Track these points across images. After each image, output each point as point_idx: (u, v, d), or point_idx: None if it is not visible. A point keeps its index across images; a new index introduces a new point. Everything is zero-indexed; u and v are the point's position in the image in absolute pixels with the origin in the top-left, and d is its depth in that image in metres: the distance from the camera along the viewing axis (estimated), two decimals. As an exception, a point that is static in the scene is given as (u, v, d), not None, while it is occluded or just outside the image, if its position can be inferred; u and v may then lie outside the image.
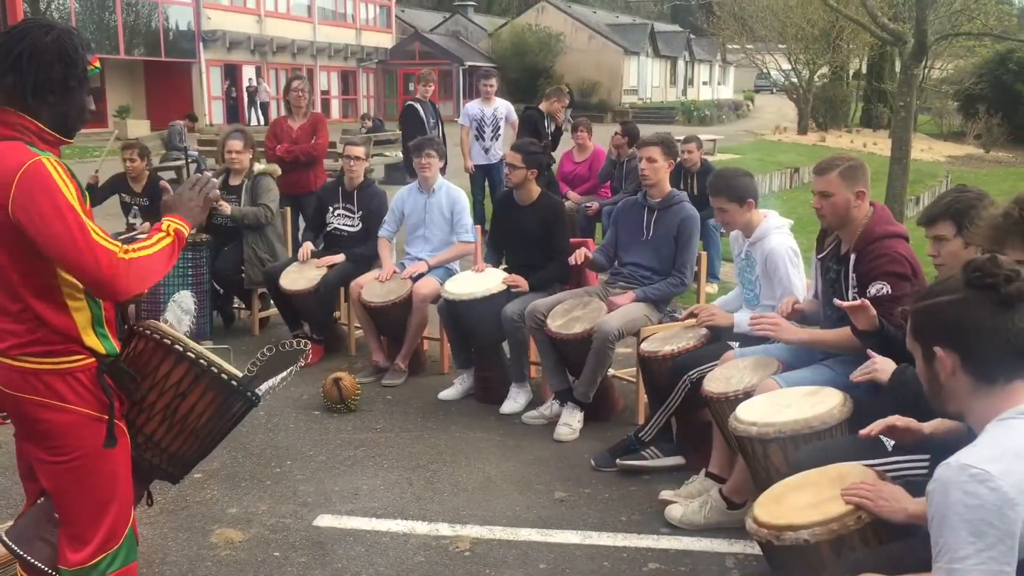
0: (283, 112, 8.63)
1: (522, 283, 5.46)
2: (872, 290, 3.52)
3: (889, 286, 3.48)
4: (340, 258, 6.32)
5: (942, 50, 30.88)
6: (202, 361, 2.69)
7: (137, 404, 2.64)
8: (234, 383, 2.75)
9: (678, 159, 6.00)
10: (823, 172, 3.72)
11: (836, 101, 41.66)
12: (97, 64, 2.49)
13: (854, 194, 3.63)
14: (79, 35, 2.45)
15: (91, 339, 2.44)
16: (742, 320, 4.39)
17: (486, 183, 10.18)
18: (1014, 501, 1.79)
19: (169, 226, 2.48)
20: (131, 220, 7.27)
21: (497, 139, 10.00)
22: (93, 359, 2.45)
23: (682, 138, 8.75)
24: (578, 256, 5.21)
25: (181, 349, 2.66)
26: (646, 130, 7.22)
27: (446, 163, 9.56)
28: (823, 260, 3.87)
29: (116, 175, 7.40)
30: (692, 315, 4.74)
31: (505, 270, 5.68)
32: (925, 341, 2.08)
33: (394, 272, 6.01)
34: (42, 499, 2.64)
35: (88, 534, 2.50)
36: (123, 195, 7.32)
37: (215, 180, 2.68)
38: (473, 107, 10.20)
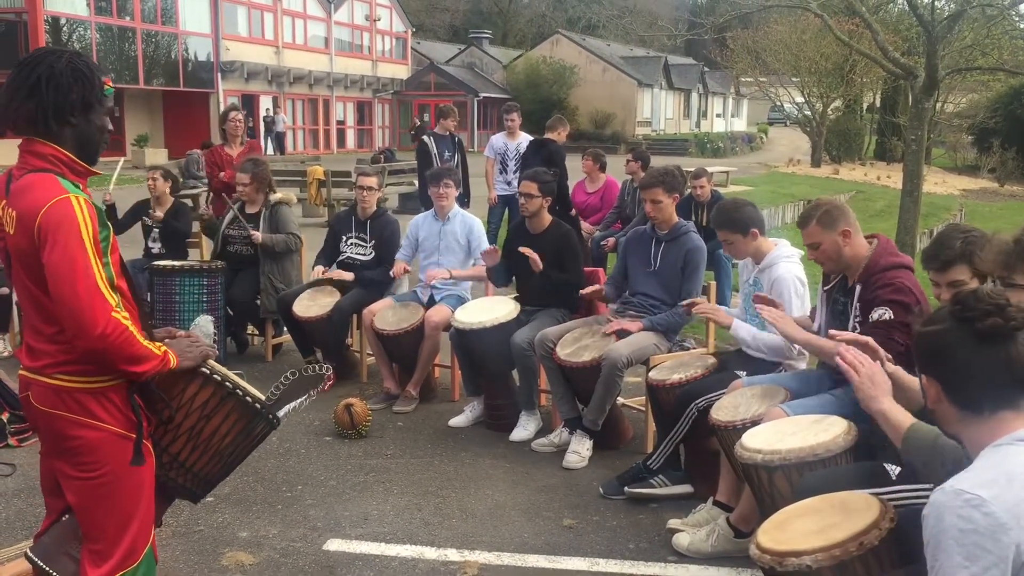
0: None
1: (535, 257, 5.48)
2: (874, 315, 3.55)
3: (891, 312, 3.50)
4: (351, 276, 6.41)
5: (955, 84, 30.93)
6: (227, 384, 2.75)
7: (164, 424, 2.71)
8: (258, 406, 2.82)
9: (686, 191, 6.06)
10: (803, 226, 3.80)
11: (850, 134, 41.73)
12: (111, 85, 2.57)
13: (839, 235, 3.69)
14: (90, 58, 2.55)
15: None
16: (738, 327, 4.43)
17: (506, 213, 10.29)
18: (1007, 526, 1.81)
19: (161, 347, 2.53)
20: (151, 244, 7.36)
21: (520, 172, 10.11)
22: (124, 379, 2.52)
23: (692, 171, 8.82)
24: (589, 292, 5.25)
25: (207, 372, 2.73)
26: (659, 162, 7.28)
27: (469, 195, 9.72)
28: (830, 292, 3.91)
29: (140, 201, 7.49)
30: (693, 304, 4.75)
31: (515, 298, 5.73)
32: (918, 368, 2.13)
33: (405, 269, 6.18)
34: (67, 516, 2.70)
35: (109, 551, 2.55)
36: (145, 219, 7.40)
37: (216, 351, 2.77)
38: (498, 141, 10.37)
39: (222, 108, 34.02)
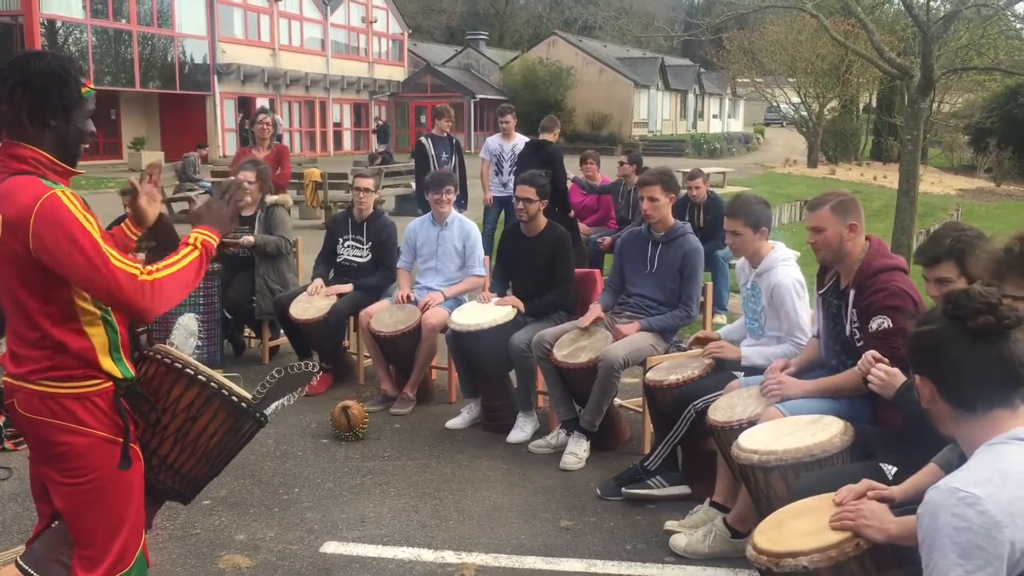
0: (288, 142, 8.88)
1: (518, 303, 5.54)
2: (873, 324, 3.55)
3: (890, 320, 3.50)
4: (349, 288, 6.40)
5: (952, 84, 30.98)
6: (212, 384, 2.75)
7: (151, 427, 2.70)
8: (243, 404, 2.82)
9: (681, 193, 6.05)
10: (815, 208, 3.79)
11: (846, 134, 41.77)
12: (91, 87, 2.55)
13: (846, 227, 3.69)
14: (69, 60, 2.52)
15: (108, 364, 2.50)
16: (749, 354, 4.41)
17: (502, 214, 10.28)
18: (1001, 524, 1.82)
19: (196, 238, 2.54)
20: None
21: (515, 173, 10.09)
22: (110, 383, 2.52)
23: (687, 171, 8.84)
24: (587, 321, 5.20)
25: (192, 372, 2.72)
26: (655, 163, 7.29)
27: (466, 196, 9.75)
28: (824, 295, 3.91)
29: (121, 216, 7.41)
30: (698, 340, 4.78)
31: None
32: (911, 368, 2.13)
33: (408, 296, 6.10)
34: (57, 522, 2.69)
35: (100, 556, 2.54)
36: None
37: (246, 185, 2.74)
38: (493, 142, 10.33)
39: (218, 110, 33.93)
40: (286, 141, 37.27)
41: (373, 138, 42.85)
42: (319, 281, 6.49)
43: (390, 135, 35.58)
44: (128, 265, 2.37)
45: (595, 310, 5.24)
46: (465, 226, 6.21)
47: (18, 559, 2.72)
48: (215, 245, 2.57)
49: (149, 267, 2.41)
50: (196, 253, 2.51)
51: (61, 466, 2.50)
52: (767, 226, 4.43)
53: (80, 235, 2.32)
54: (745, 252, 4.48)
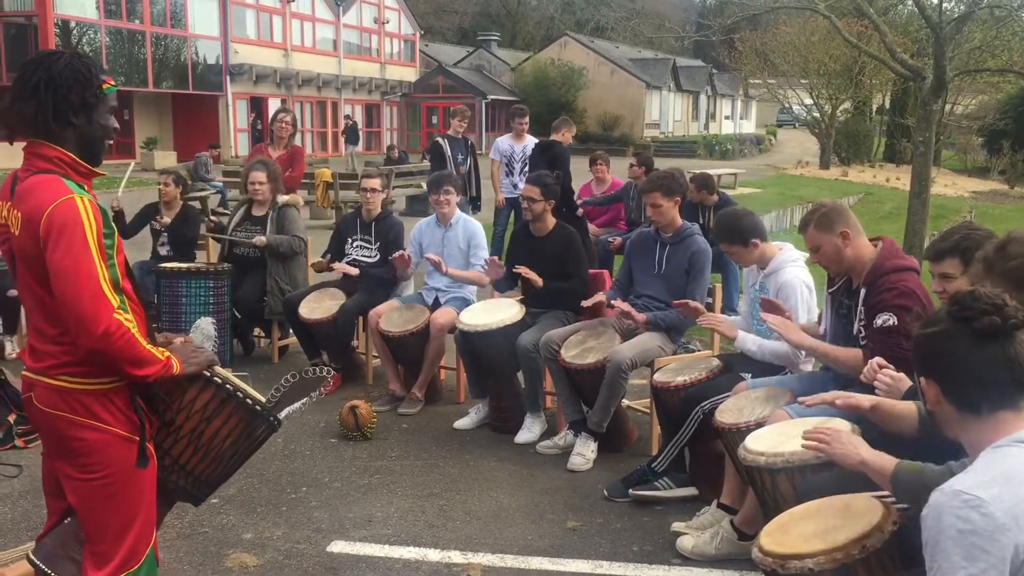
0: (266, 141, 8.87)
1: (535, 277, 5.50)
2: (878, 320, 3.55)
3: (896, 318, 3.50)
4: (355, 271, 6.42)
5: (965, 86, 30.87)
6: (228, 386, 2.76)
7: (165, 427, 2.72)
8: (258, 408, 2.82)
9: (686, 194, 6.04)
10: (802, 231, 3.85)
11: (859, 136, 41.63)
12: (113, 83, 2.58)
13: (838, 237, 3.69)
14: (89, 58, 2.56)
15: None
16: (744, 338, 4.41)
17: (512, 215, 10.27)
18: (1005, 527, 1.81)
19: (166, 353, 2.53)
20: (159, 247, 7.37)
21: (526, 174, 10.08)
22: (128, 382, 2.53)
23: (694, 173, 8.81)
24: (591, 303, 5.26)
25: (208, 374, 2.74)
26: (667, 164, 7.27)
27: (479, 196, 9.73)
28: (834, 295, 3.90)
29: (148, 204, 7.47)
30: (683, 306, 4.74)
31: (520, 300, 5.73)
32: (916, 370, 2.13)
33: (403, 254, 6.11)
34: (69, 519, 2.71)
35: (110, 552, 2.56)
36: (153, 223, 7.40)
37: (217, 360, 2.75)
38: (504, 143, 10.30)
39: (231, 111, 34.05)
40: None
41: (382, 140, 43.00)
42: (326, 258, 6.53)
43: (359, 136, 35.38)
44: (112, 295, 2.38)
45: (599, 295, 5.30)
46: (470, 227, 6.21)
47: (29, 553, 2.74)
48: (175, 372, 2.53)
49: (129, 315, 2.42)
50: (159, 356, 2.49)
51: (76, 461, 2.53)
52: (757, 236, 4.47)
53: (80, 243, 2.35)
54: (749, 263, 4.59)
